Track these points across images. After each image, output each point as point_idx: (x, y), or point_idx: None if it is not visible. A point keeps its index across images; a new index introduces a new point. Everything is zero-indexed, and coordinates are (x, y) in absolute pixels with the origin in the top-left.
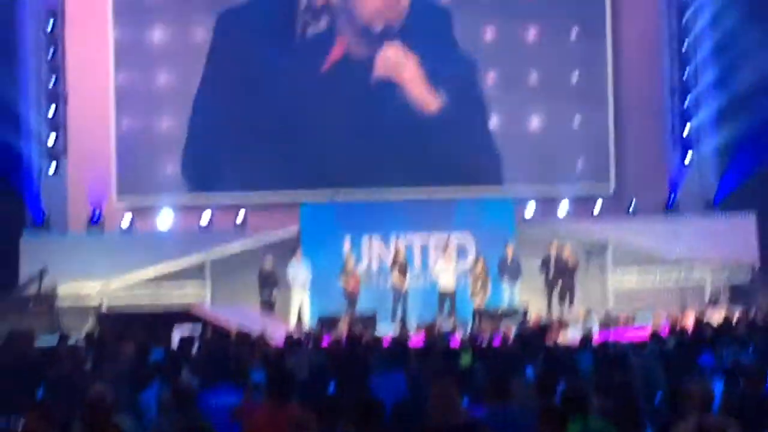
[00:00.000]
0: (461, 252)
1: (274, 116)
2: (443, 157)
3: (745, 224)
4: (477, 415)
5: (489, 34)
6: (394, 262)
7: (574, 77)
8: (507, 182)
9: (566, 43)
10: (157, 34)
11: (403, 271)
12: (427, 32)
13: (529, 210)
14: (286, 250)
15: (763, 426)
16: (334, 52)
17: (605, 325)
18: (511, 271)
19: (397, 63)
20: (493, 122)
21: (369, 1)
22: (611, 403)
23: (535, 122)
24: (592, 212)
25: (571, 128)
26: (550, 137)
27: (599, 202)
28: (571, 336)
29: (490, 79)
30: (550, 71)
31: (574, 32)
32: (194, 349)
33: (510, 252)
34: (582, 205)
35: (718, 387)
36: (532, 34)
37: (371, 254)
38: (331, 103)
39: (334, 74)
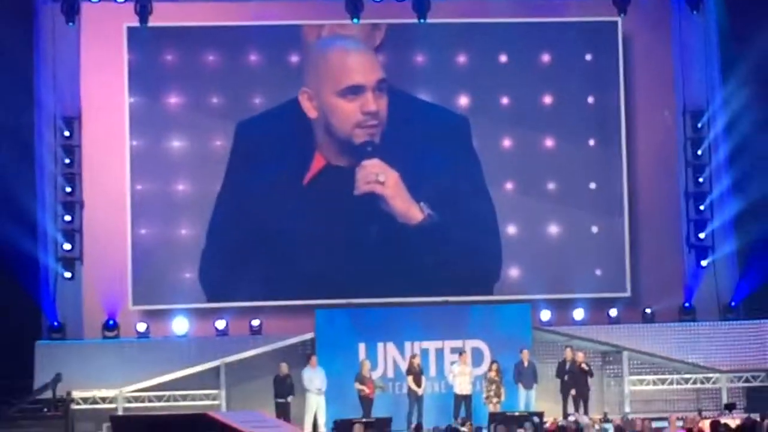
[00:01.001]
0: (477, 356)
1: (277, 226)
2: (450, 265)
3: (762, 329)
4: None
5: (506, 143)
6: (410, 367)
7: (592, 185)
8: (522, 288)
9: (583, 151)
10: (174, 142)
11: (418, 377)
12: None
13: (545, 315)
14: (301, 355)
15: None
16: (313, 166)
17: (621, 429)
18: (526, 375)
19: (377, 179)
20: (511, 229)
21: (348, 114)
22: None
23: (552, 229)
24: (609, 317)
25: (588, 235)
26: (568, 244)
27: (616, 307)
28: None
29: (507, 186)
30: (568, 179)
31: (592, 141)
32: None
33: (526, 356)
34: (598, 311)
35: None
36: (549, 143)
37: (386, 360)
38: (319, 214)
39: (323, 185)
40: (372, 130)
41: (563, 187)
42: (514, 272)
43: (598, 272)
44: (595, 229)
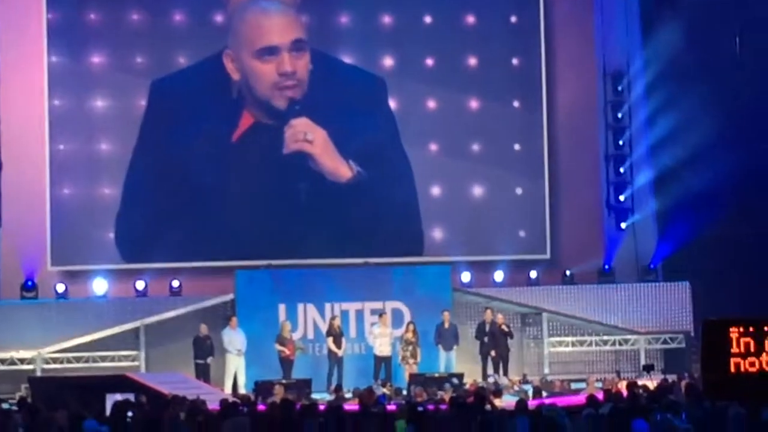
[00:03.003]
0: (397, 318)
1: (200, 185)
2: (374, 226)
3: (680, 292)
4: None
5: (430, 104)
6: (330, 329)
7: (515, 147)
8: (442, 249)
9: (507, 112)
10: (97, 102)
11: (338, 338)
12: (344, 103)
13: (466, 277)
14: (221, 316)
15: None
16: (242, 123)
17: (540, 390)
18: (447, 337)
19: (306, 137)
20: (434, 190)
21: (265, 76)
22: None
23: (475, 191)
24: (529, 279)
25: (510, 197)
26: (490, 206)
27: (534, 268)
28: (506, 401)
29: (432, 148)
30: (492, 141)
31: (514, 103)
32: (129, 415)
33: (446, 318)
34: (519, 272)
35: None
36: (473, 104)
37: (306, 322)
38: (248, 173)
39: (251, 144)
40: (290, 91)
41: (487, 149)
42: (436, 233)
43: (519, 234)
44: (518, 191)
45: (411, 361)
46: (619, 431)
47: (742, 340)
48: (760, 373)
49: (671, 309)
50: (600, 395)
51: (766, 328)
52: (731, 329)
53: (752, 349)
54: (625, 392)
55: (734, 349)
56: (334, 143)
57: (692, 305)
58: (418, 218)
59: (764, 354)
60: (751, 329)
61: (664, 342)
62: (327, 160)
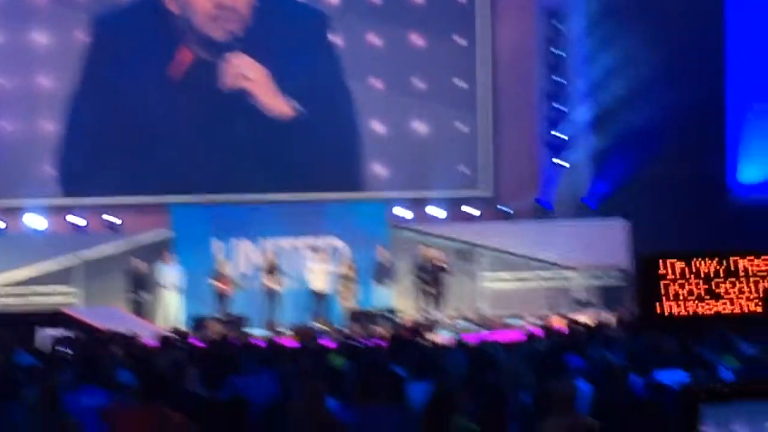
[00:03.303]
0: (334, 254)
1: (140, 122)
2: (314, 162)
3: (616, 229)
4: (346, 416)
5: (374, 40)
6: (266, 264)
7: (458, 83)
8: (382, 185)
9: (450, 48)
10: (35, 36)
11: (274, 274)
12: (286, 39)
13: (403, 213)
14: (157, 251)
15: (628, 426)
16: (181, 60)
17: (477, 326)
18: (383, 273)
19: (245, 74)
20: (377, 126)
21: (203, 8)
22: (480, 402)
23: (416, 127)
24: (466, 215)
25: (451, 133)
26: (430, 142)
27: (473, 205)
28: (442, 337)
29: (374, 84)
30: (435, 77)
31: (457, 39)
32: (63, 350)
33: (383, 254)
34: (456, 208)
35: (585, 388)
36: (416, 40)
37: (242, 257)
38: (187, 110)
39: (190, 80)
40: (230, 25)
41: (429, 85)
42: (377, 169)
43: (457, 170)
44: (458, 127)
45: (348, 296)
46: (555, 367)
47: (674, 274)
48: (691, 310)
49: (608, 245)
50: (536, 331)
51: (696, 263)
52: (663, 265)
53: (684, 283)
54: (561, 328)
55: (667, 283)
56: (276, 80)
57: (629, 242)
58: (358, 154)
59: (696, 288)
60: (683, 264)
61: (601, 278)
62: (266, 98)
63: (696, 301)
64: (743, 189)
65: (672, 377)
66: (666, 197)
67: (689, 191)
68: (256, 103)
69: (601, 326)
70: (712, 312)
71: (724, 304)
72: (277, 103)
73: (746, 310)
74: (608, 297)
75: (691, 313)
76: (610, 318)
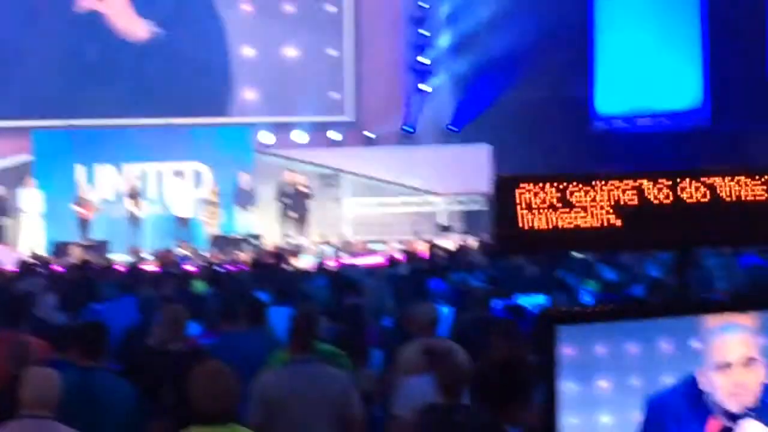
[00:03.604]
0: (197, 179)
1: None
2: (178, 87)
3: (479, 154)
4: (207, 341)
5: None
6: (128, 189)
7: (327, 8)
8: (249, 110)
9: None
10: None
11: (137, 199)
12: None
13: (266, 138)
14: (17, 176)
15: (487, 347)
16: None
17: (340, 251)
18: (247, 198)
19: None
20: (246, 51)
21: None
22: (341, 327)
23: (286, 52)
24: (330, 140)
25: (318, 59)
26: (298, 66)
27: (338, 130)
28: (305, 262)
29: (244, 8)
30: (304, 1)
31: None
32: None
33: (245, 179)
34: (320, 133)
35: (446, 311)
36: None
37: (105, 182)
38: (44, 33)
39: (46, 3)
40: None
41: (299, 8)
42: (245, 94)
43: (326, 95)
44: (328, 52)
45: (211, 221)
46: (417, 291)
47: (532, 196)
48: (551, 229)
49: (471, 171)
50: (399, 256)
51: (554, 185)
52: (522, 185)
53: (542, 206)
54: (423, 253)
55: (524, 206)
56: (137, 3)
57: (491, 167)
58: (226, 79)
59: (553, 210)
60: (541, 185)
61: (464, 203)
62: (121, 20)
63: (555, 221)
64: (605, 115)
65: (533, 301)
66: (529, 122)
67: (553, 116)
68: (110, 25)
69: (463, 251)
70: (572, 228)
71: (584, 219)
72: (132, 26)
73: (605, 224)
74: (471, 222)
75: (548, 235)
76: (472, 243)
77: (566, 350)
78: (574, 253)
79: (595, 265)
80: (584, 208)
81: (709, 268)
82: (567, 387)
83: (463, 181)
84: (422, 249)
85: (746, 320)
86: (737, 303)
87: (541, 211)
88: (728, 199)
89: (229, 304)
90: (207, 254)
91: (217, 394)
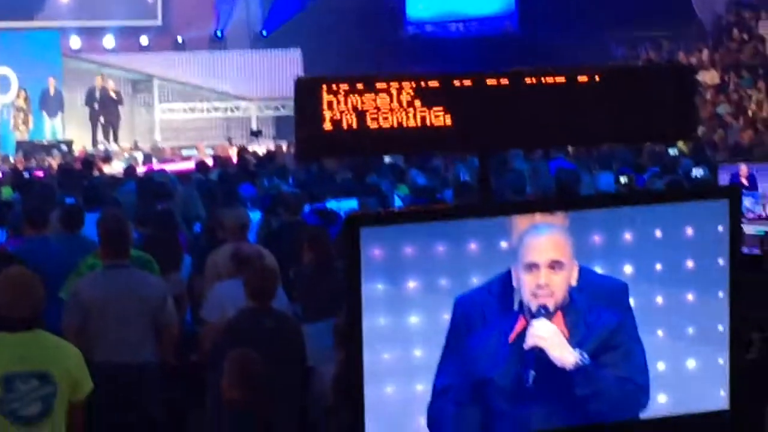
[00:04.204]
0: (4, 84)
1: None
2: None
3: (290, 59)
4: (13, 246)
5: None
6: None
7: None
8: (56, 14)
9: None
10: None
11: None
12: None
13: (75, 42)
14: None
15: (298, 251)
16: None
17: (151, 157)
18: (54, 104)
19: None
20: None
21: None
22: (151, 232)
23: None
24: (140, 45)
25: None
26: None
27: (147, 35)
28: (115, 168)
29: None
30: None
31: None
32: None
33: (52, 84)
34: (129, 38)
35: (257, 216)
36: None
37: None
38: None
39: None
40: None
41: None
42: None
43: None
44: None
45: (22, 128)
46: (228, 196)
47: (335, 98)
48: (355, 131)
49: (283, 76)
50: (210, 161)
51: (357, 86)
52: (324, 86)
53: (346, 108)
54: (234, 158)
55: (327, 108)
56: None
57: (303, 72)
58: None
59: (357, 113)
60: (345, 86)
61: (276, 109)
62: None
63: (359, 123)
64: (417, 20)
65: (344, 206)
66: (341, 27)
67: (364, 21)
68: None
69: (273, 156)
70: (376, 130)
71: (388, 121)
72: None
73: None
74: (282, 127)
75: (354, 129)
76: (283, 148)
77: (375, 252)
78: (386, 159)
79: (407, 170)
80: (390, 110)
81: (520, 171)
82: (376, 288)
83: (274, 86)
84: (233, 154)
85: (556, 220)
86: (542, 204)
87: (345, 113)
88: (534, 100)
89: (35, 210)
90: (14, 160)
91: (20, 299)
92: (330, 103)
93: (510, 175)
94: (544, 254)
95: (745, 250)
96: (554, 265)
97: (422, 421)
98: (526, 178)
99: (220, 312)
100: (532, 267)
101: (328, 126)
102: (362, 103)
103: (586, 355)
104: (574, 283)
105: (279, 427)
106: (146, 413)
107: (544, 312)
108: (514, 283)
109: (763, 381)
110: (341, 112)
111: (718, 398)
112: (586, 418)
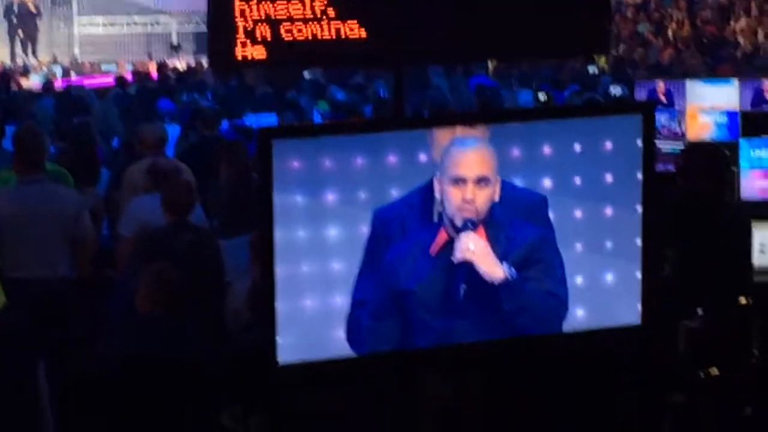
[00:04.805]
0: None
1: None
2: None
3: None
4: None
5: None
6: None
7: None
8: None
9: None
10: None
11: None
12: None
13: None
14: None
15: (214, 167)
16: None
17: (69, 71)
18: None
19: None
20: None
21: None
22: (69, 146)
23: None
24: None
25: None
26: None
27: None
28: (33, 82)
29: None
30: None
31: None
32: None
33: None
34: None
35: (175, 131)
36: None
37: None
38: None
39: None
40: None
41: None
42: None
43: None
44: None
45: None
46: (146, 111)
47: (248, 9)
48: (269, 43)
49: None
50: (128, 76)
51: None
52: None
53: (260, 19)
54: (153, 73)
55: (241, 19)
56: None
57: None
58: None
59: (271, 24)
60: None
61: (197, 24)
62: None
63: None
64: None
65: (263, 121)
66: None
67: None
68: None
69: (193, 71)
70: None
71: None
72: None
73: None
74: (203, 42)
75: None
76: (203, 63)
77: (294, 164)
78: (307, 75)
79: (327, 87)
80: (304, 22)
81: (440, 88)
82: (294, 201)
83: (194, 0)
84: (152, 69)
85: (479, 133)
86: (461, 117)
87: (259, 24)
88: (450, 13)
89: None
90: None
91: None
92: (242, 11)
93: (430, 91)
94: (471, 169)
95: (660, 167)
96: (481, 180)
97: (340, 333)
98: (446, 95)
99: (136, 226)
100: (459, 181)
101: (241, 37)
102: (275, 10)
103: (513, 269)
104: (497, 198)
105: (193, 341)
106: (66, 328)
107: (471, 226)
108: (437, 194)
109: (678, 298)
110: (254, 21)
111: (635, 313)
112: (511, 331)
